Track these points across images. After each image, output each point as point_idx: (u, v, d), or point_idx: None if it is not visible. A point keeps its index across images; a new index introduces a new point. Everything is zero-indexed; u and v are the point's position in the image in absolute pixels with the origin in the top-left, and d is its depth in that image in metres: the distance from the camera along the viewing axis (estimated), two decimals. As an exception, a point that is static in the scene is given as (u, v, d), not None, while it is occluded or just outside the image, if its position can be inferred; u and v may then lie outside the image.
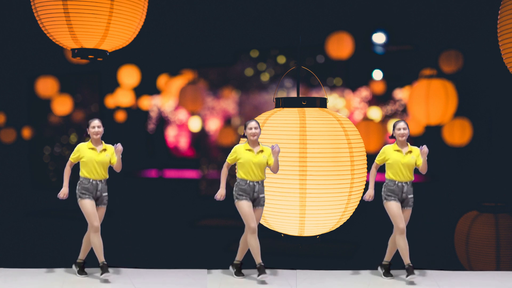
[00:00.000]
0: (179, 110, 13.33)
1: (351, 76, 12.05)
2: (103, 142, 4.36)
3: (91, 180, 4.30)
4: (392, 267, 4.49)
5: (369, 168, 4.42)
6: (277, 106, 4.45)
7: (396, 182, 4.31)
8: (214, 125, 13.14)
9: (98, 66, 12.65)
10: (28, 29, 7.92)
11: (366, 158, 4.37)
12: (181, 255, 9.06)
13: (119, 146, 4.28)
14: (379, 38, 11.01)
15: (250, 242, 4.24)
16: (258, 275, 4.24)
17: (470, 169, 9.82)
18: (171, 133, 13.65)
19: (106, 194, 4.34)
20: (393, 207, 4.30)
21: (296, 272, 4.55)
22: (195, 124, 13.20)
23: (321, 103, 4.38)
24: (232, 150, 4.28)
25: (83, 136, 4.38)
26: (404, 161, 4.29)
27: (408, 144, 4.35)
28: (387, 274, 4.45)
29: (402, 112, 11.75)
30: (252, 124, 4.18)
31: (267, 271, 4.35)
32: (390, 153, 4.33)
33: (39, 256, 9.11)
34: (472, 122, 9.27)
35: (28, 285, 4.21)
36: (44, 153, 13.42)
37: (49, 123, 13.41)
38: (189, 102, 11.07)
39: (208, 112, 13.10)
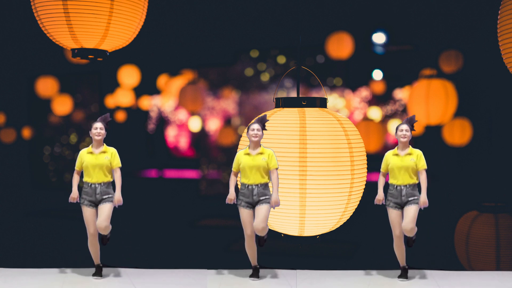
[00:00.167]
0: (179, 110, 13.34)
1: (351, 76, 12.05)
2: (104, 144, 4.36)
3: (90, 184, 4.30)
4: (391, 267, 4.49)
5: (369, 168, 4.42)
6: (277, 106, 4.45)
7: (395, 186, 4.32)
8: (214, 125, 13.14)
9: (98, 66, 12.65)
10: (28, 29, 7.93)
11: (366, 158, 4.37)
12: (181, 255, 9.06)
13: (119, 202, 4.31)
14: (379, 38, 11.01)
15: (246, 245, 4.30)
16: (250, 276, 4.34)
17: (470, 169, 9.82)
18: (171, 133, 13.65)
19: (107, 196, 4.30)
20: (390, 215, 4.34)
21: (296, 272, 4.55)
22: (195, 124, 13.20)
23: (321, 103, 4.38)
24: (235, 158, 4.29)
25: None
26: (401, 164, 4.29)
27: (410, 146, 4.34)
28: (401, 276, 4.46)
29: (402, 112, 11.75)
30: (255, 126, 4.19)
31: (267, 271, 4.35)
32: (389, 158, 4.35)
33: (39, 256, 9.11)
34: (472, 122, 9.27)
35: (28, 285, 4.21)
36: (44, 153, 13.42)
37: (49, 123, 13.41)
38: (189, 102, 11.07)
39: (208, 112, 13.10)
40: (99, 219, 4.25)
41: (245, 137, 4.41)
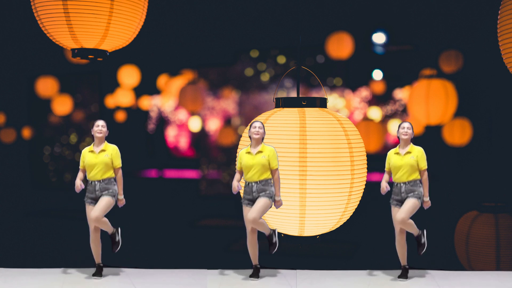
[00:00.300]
0: (179, 110, 13.33)
1: (351, 76, 12.04)
2: (106, 142, 4.38)
3: (90, 182, 4.36)
4: (391, 267, 4.49)
5: (369, 168, 4.44)
6: (277, 106, 4.45)
7: (396, 184, 4.36)
8: (214, 125, 13.13)
9: (98, 66, 12.64)
10: (28, 29, 7.92)
11: (366, 158, 4.38)
12: (181, 255, 9.06)
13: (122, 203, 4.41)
14: (379, 38, 11.00)
15: (248, 243, 4.30)
16: (251, 275, 4.36)
17: (470, 169, 9.81)
18: (171, 133, 13.64)
19: (107, 191, 4.31)
20: (392, 212, 4.40)
21: (296, 272, 4.55)
22: (195, 124, 13.19)
23: (321, 103, 4.39)
24: (238, 157, 4.30)
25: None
26: (401, 162, 4.31)
27: (411, 144, 4.36)
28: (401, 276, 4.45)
29: (402, 112, 11.74)
30: (256, 123, 4.22)
31: (267, 271, 4.35)
32: (391, 157, 4.40)
33: (39, 256, 9.11)
34: (472, 122, 9.27)
35: (28, 285, 4.21)
36: (44, 153, 13.41)
37: (49, 123, 13.40)
38: (189, 102, 11.07)
39: (208, 112, 13.09)
40: (92, 210, 4.28)
41: (246, 137, 4.42)
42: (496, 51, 4.68)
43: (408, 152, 4.32)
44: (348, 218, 4.40)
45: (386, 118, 11.82)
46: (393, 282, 4.34)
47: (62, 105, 12.23)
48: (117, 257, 4.58)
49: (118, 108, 12.49)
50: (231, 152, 12.36)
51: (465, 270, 6.39)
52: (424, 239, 4.41)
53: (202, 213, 11.93)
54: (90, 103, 13.34)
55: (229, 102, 13.00)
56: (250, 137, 4.24)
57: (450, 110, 8.20)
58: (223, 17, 10.91)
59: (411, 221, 4.31)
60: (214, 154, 13.12)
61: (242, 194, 4.40)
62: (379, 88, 11.67)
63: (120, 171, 4.38)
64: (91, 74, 13.32)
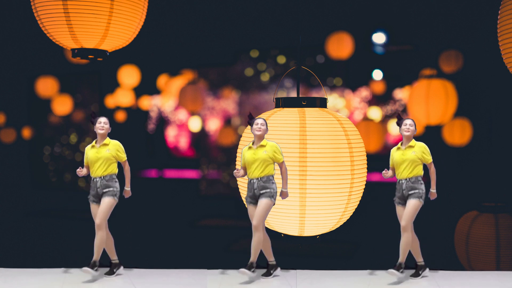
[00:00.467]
0: (179, 110, 13.33)
1: (351, 76, 12.04)
2: (108, 138, 4.38)
3: (92, 178, 4.36)
4: (391, 267, 4.48)
5: (369, 168, 4.44)
6: (277, 106, 4.45)
7: (398, 180, 4.38)
8: (214, 125, 13.13)
9: (98, 66, 12.64)
10: (28, 29, 7.92)
11: (366, 158, 4.38)
12: (181, 255, 9.06)
13: (128, 194, 4.46)
14: (379, 38, 11.00)
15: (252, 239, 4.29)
16: (262, 274, 4.36)
17: (470, 169, 9.81)
18: (171, 133, 13.64)
19: (108, 189, 4.30)
20: (396, 210, 4.42)
21: (296, 272, 4.55)
22: (195, 124, 13.19)
23: (321, 103, 4.39)
24: (240, 155, 4.29)
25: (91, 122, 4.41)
26: (402, 158, 4.32)
27: (413, 140, 4.37)
28: (415, 274, 4.46)
29: (402, 112, 11.74)
30: (259, 120, 4.19)
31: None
32: (393, 153, 4.41)
33: (39, 256, 9.12)
34: (472, 122, 9.27)
35: (28, 285, 4.21)
36: (44, 153, 13.41)
37: (49, 123, 13.40)
38: (189, 102, 11.07)
39: (208, 112, 13.09)
40: (96, 217, 4.29)
41: (246, 137, 4.41)
42: (496, 51, 4.68)
43: (410, 147, 4.33)
44: (348, 218, 4.40)
45: (386, 118, 11.82)
46: (393, 282, 4.33)
47: (62, 105, 12.23)
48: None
49: (118, 108, 12.49)
50: (231, 152, 12.35)
51: (465, 270, 6.39)
52: (421, 272, 4.43)
53: (202, 213, 11.93)
54: (90, 103, 13.34)
55: (229, 102, 13.00)
56: (253, 133, 4.23)
57: (450, 110, 8.20)
58: (223, 17, 10.91)
59: (408, 249, 4.31)
60: (214, 154, 13.12)
61: (241, 194, 4.40)
62: (379, 88, 11.67)
63: (127, 164, 4.39)
64: (91, 74, 13.32)
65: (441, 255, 7.49)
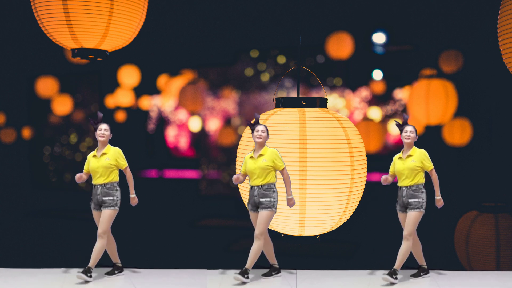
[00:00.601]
0: (179, 110, 13.32)
1: (351, 76, 12.04)
2: (108, 145, 4.37)
3: (93, 185, 4.37)
4: (391, 267, 4.48)
5: (369, 168, 4.44)
6: (277, 106, 4.45)
7: (399, 187, 4.37)
8: (214, 125, 13.12)
9: (98, 66, 12.63)
10: (28, 29, 7.92)
11: (366, 158, 4.37)
12: (181, 255, 9.06)
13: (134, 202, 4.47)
14: (379, 38, 11.00)
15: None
16: (262, 274, 4.38)
17: (470, 169, 9.81)
18: (171, 133, 13.63)
19: (108, 198, 4.30)
20: (399, 216, 4.44)
21: (296, 272, 4.55)
22: (195, 124, 13.18)
23: (321, 103, 4.39)
24: (243, 161, 4.28)
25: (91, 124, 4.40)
26: (403, 166, 4.33)
27: (414, 147, 4.36)
28: (416, 274, 4.46)
29: (402, 112, 11.73)
30: (260, 127, 4.18)
31: (267, 271, 4.34)
32: (395, 162, 4.41)
33: (39, 256, 9.11)
34: (472, 122, 9.26)
35: (28, 285, 4.21)
36: (44, 153, 13.41)
37: (49, 123, 13.39)
38: (189, 102, 11.07)
39: (208, 112, 13.08)
40: (99, 226, 4.30)
41: (245, 137, 4.41)
42: (496, 51, 4.68)
43: (409, 156, 4.32)
44: (348, 218, 4.40)
45: (386, 118, 11.82)
46: (393, 282, 4.33)
47: (62, 105, 12.23)
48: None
49: (118, 108, 12.48)
50: (231, 152, 12.35)
51: (465, 270, 6.39)
52: (423, 274, 4.43)
53: (202, 213, 11.93)
54: (90, 103, 13.33)
55: (229, 102, 13.00)
56: (254, 140, 4.23)
57: (450, 110, 8.19)
58: (223, 17, 10.91)
59: (406, 257, 4.31)
60: (214, 154, 13.12)
61: (242, 196, 4.40)
62: (379, 88, 11.67)
63: (129, 171, 4.39)
64: (91, 74, 13.31)
65: (441, 255, 7.49)
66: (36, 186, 13.03)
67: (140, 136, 13.34)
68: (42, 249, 9.49)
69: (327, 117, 4.22)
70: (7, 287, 4.18)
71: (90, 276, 4.26)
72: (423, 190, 4.32)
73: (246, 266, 4.23)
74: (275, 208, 4.16)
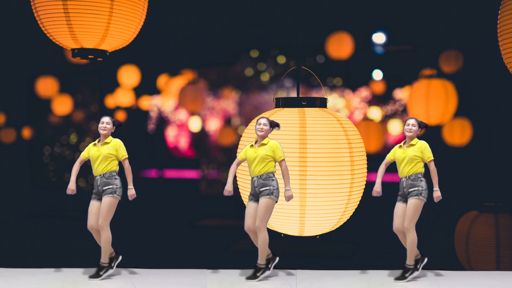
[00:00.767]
0: (179, 110, 13.33)
1: (351, 76, 12.04)
2: (110, 137, 4.37)
3: (94, 176, 4.36)
4: (391, 267, 4.48)
5: (369, 168, 4.43)
6: (277, 106, 4.45)
7: (400, 179, 4.36)
8: (214, 125, 13.13)
9: (98, 66, 12.64)
10: (28, 29, 7.92)
11: (366, 158, 4.38)
12: (181, 255, 9.06)
13: (132, 196, 4.39)
14: (379, 38, 11.00)
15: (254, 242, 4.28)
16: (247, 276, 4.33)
17: (470, 169, 9.81)
18: (171, 133, 13.64)
19: (107, 187, 4.29)
20: (395, 207, 4.36)
21: (296, 272, 4.55)
22: (195, 124, 13.19)
23: (321, 103, 4.39)
24: (243, 149, 4.27)
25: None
26: (403, 156, 4.32)
27: (416, 139, 4.37)
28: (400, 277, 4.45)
29: (402, 112, 11.74)
30: (262, 120, 4.17)
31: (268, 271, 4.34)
32: (395, 151, 4.38)
33: (39, 256, 9.12)
34: (472, 122, 9.27)
35: (28, 285, 4.21)
36: (44, 153, 13.41)
37: (49, 123, 13.40)
38: (189, 102, 11.07)
39: (208, 112, 13.09)
40: (99, 218, 4.28)
41: (246, 137, 4.41)
42: (496, 51, 4.68)
43: (411, 145, 4.33)
44: (348, 218, 4.40)
45: (386, 118, 11.82)
46: (393, 282, 4.33)
47: (62, 105, 12.23)
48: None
49: (118, 108, 12.49)
50: (231, 152, 12.35)
51: (465, 270, 6.39)
52: (420, 266, 4.39)
53: (202, 213, 11.93)
54: (90, 103, 13.34)
55: (229, 102, 13.00)
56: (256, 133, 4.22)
57: (450, 110, 8.20)
58: (223, 17, 10.91)
59: (415, 248, 4.28)
60: (214, 154, 13.12)
61: (242, 194, 4.39)
62: (379, 88, 11.67)
63: (127, 162, 4.36)
64: (91, 74, 13.32)
65: (441, 255, 7.49)
66: (36, 186, 13.04)
67: (140, 136, 13.35)
68: (42, 249, 9.50)
69: (327, 117, 4.23)
70: (7, 287, 4.18)
71: (112, 267, 4.29)
72: (422, 179, 4.29)
73: (258, 261, 4.22)
74: (275, 197, 4.12)
